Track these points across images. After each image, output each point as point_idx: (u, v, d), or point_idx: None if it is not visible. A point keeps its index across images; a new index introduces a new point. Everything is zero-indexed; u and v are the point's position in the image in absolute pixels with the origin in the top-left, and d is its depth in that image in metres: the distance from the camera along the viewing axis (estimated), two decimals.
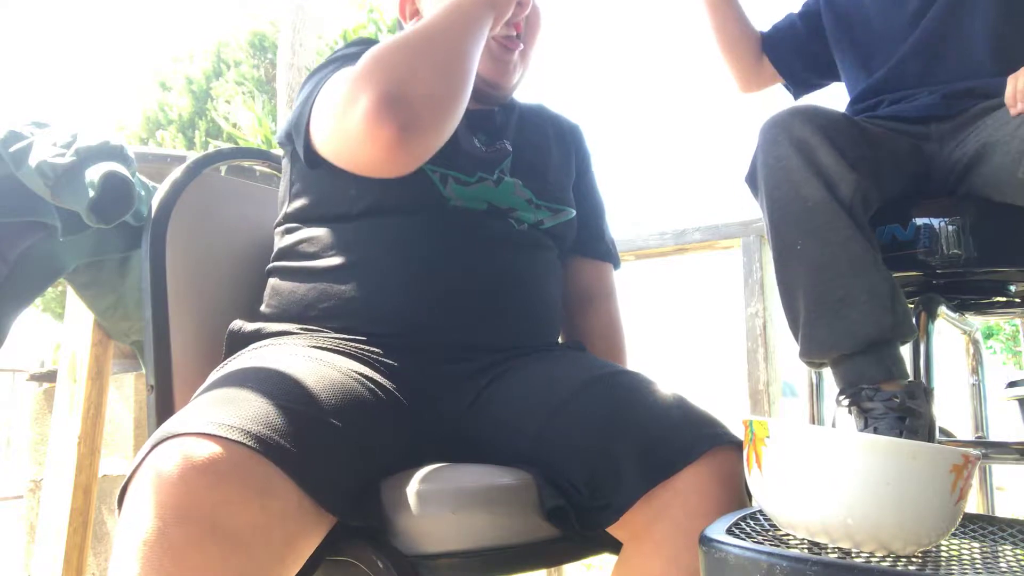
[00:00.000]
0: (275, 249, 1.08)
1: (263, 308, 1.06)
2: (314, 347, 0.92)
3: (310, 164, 0.94)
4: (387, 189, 0.97)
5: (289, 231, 1.06)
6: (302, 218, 1.05)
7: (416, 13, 1.13)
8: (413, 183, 0.98)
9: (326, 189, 1.02)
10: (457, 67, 0.88)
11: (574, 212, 1.14)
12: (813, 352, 1.08)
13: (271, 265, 1.07)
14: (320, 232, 1.01)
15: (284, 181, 1.10)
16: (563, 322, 1.19)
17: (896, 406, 0.98)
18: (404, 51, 0.86)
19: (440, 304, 0.97)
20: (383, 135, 0.81)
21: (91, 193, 1.19)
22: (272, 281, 1.06)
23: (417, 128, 0.83)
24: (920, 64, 1.31)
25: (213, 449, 0.66)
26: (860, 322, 1.02)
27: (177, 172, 1.14)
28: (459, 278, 0.99)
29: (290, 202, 1.07)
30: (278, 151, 1.17)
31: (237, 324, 1.01)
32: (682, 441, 0.83)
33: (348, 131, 0.84)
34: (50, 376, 2.41)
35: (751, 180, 1.18)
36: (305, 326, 0.98)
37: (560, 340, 1.19)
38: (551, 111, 1.25)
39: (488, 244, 1.02)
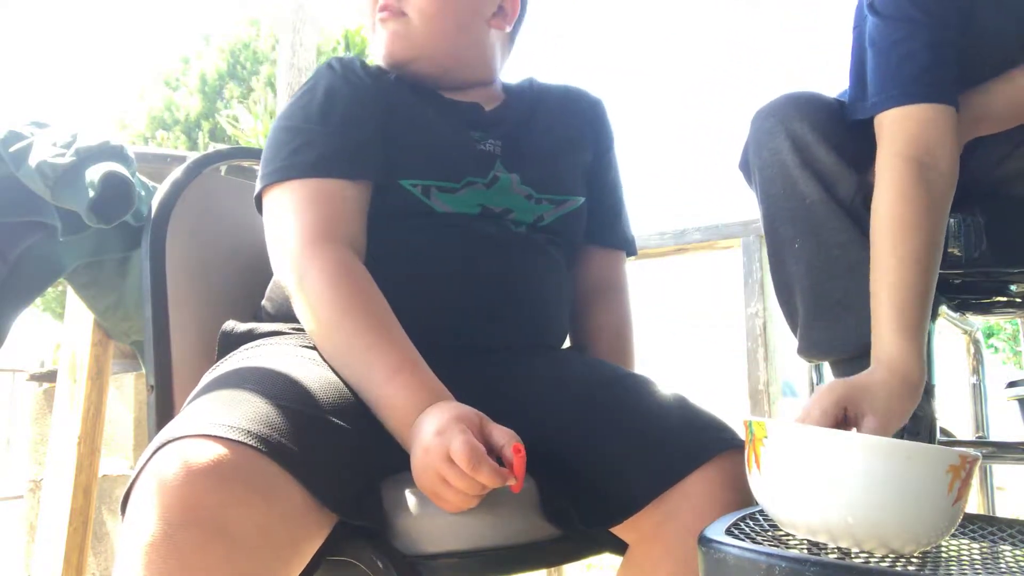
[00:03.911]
0: None
1: (264, 302, 1.06)
2: (307, 347, 0.92)
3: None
4: (374, 201, 0.99)
5: None
6: None
7: None
8: (397, 198, 0.99)
9: None
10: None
11: (582, 200, 1.10)
12: (812, 352, 1.07)
13: None
14: None
15: None
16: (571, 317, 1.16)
17: None
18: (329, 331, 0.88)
19: (430, 310, 0.96)
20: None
21: (91, 193, 1.19)
22: (276, 276, 1.06)
23: None
24: None
25: (217, 450, 0.66)
26: (858, 328, 0.99)
27: (177, 172, 1.14)
28: (449, 284, 0.98)
29: None
30: None
31: (230, 325, 1.01)
32: (691, 445, 0.83)
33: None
34: (50, 376, 2.42)
35: (744, 168, 1.14)
36: (297, 325, 0.98)
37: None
38: (575, 89, 1.19)
39: (480, 249, 1.00)
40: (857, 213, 1.02)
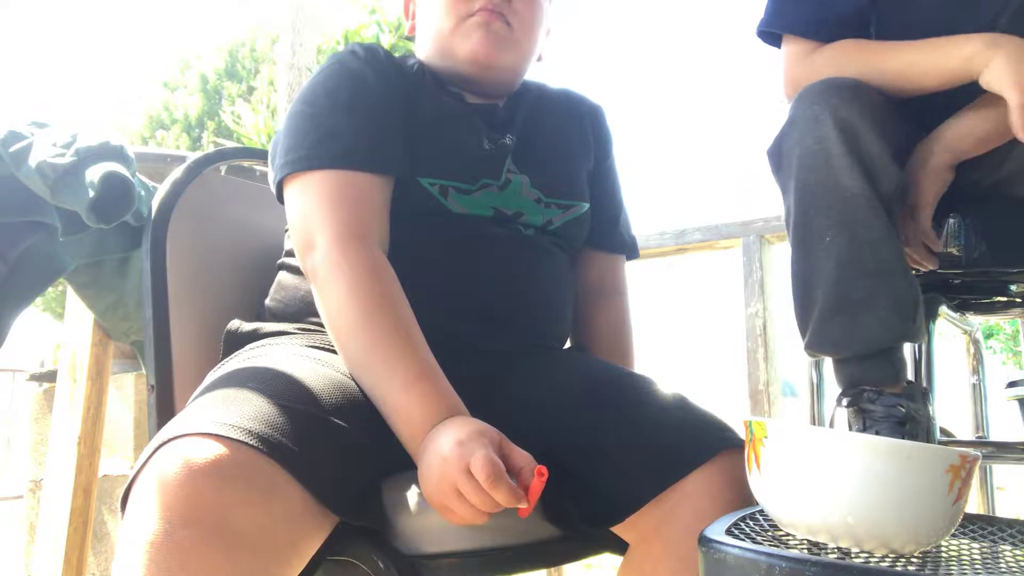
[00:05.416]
0: (286, 245, 1.08)
1: (268, 301, 1.06)
2: (312, 347, 0.92)
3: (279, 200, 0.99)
4: (392, 200, 0.97)
5: None
6: None
7: (415, 14, 1.12)
8: (414, 195, 0.98)
9: None
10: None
11: (587, 206, 1.11)
12: (822, 348, 1.04)
13: (281, 260, 1.07)
14: None
15: None
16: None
17: (896, 411, 0.98)
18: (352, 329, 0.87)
19: (441, 311, 0.95)
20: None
21: (91, 193, 1.19)
22: (280, 275, 1.06)
23: None
24: None
25: (218, 450, 0.66)
26: (877, 328, 0.98)
27: (178, 172, 1.14)
28: (459, 286, 0.98)
29: None
30: None
31: (235, 324, 1.01)
32: (691, 444, 0.83)
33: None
34: (50, 376, 2.42)
35: (775, 155, 1.08)
36: (303, 326, 0.98)
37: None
38: (575, 94, 1.20)
39: (492, 252, 1.00)
40: (893, 210, 1.00)
